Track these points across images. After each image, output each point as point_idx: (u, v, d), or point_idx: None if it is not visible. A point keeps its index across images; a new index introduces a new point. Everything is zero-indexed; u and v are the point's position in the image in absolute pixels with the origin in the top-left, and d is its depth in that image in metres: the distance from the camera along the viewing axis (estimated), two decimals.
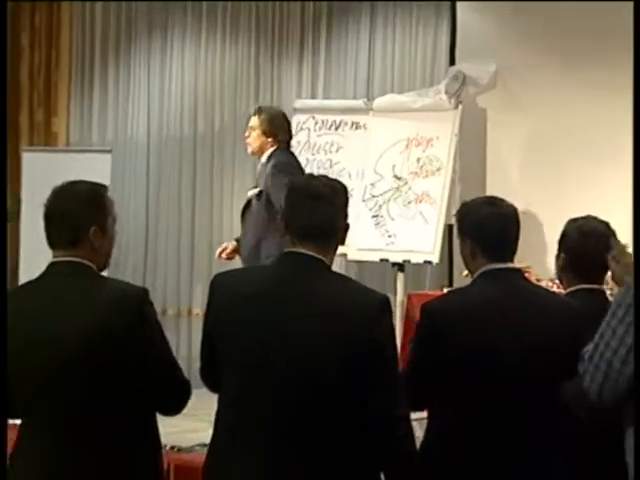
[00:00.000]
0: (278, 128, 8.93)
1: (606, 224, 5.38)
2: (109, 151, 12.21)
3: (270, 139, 8.81)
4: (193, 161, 12.41)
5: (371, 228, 10.15)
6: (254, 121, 8.94)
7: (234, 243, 8.96)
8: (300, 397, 4.39)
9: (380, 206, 10.30)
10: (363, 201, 10.29)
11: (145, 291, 4.54)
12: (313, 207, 4.59)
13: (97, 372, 4.18)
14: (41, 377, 4.40)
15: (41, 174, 12.07)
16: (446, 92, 10.37)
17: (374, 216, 10.23)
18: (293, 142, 10.64)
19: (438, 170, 10.16)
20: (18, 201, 12.70)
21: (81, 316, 4.31)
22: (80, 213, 4.46)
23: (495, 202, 5.06)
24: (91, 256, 4.42)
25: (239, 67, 12.57)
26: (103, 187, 4.77)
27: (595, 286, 5.17)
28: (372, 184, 10.44)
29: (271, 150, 8.80)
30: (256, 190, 8.81)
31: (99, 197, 4.62)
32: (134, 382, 4.28)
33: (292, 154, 9.15)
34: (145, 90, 12.96)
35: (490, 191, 9.85)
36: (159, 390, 4.46)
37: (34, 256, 10.91)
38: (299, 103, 11.53)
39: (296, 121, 11.03)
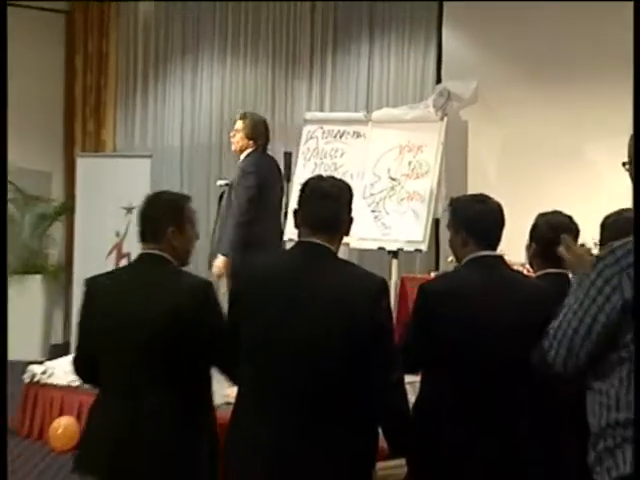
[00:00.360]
0: (259, 133, 8.97)
1: (569, 217, 5.43)
2: (149, 156, 12.16)
3: (251, 142, 8.87)
4: (219, 164, 12.49)
5: (370, 221, 10.10)
6: (239, 125, 9.01)
7: None
8: (309, 372, 4.45)
9: (377, 203, 10.23)
10: (363, 198, 10.15)
11: (209, 283, 4.89)
12: (322, 204, 4.69)
13: (170, 349, 4.43)
14: (123, 351, 4.67)
15: (92, 175, 12.21)
16: (433, 106, 10.29)
17: (372, 211, 10.16)
18: (304, 149, 11.15)
19: (426, 173, 10.08)
20: (73, 198, 12.66)
21: (157, 300, 4.64)
22: (161, 216, 4.91)
23: (484, 200, 5.15)
24: (170, 251, 4.79)
25: (258, 85, 12.71)
26: (185, 197, 5.13)
27: (560, 270, 5.14)
28: (371, 184, 10.30)
29: (249, 151, 8.87)
30: (223, 181, 9.16)
31: (178, 205, 5.01)
32: (199, 357, 4.54)
33: (267, 157, 9.17)
34: (179, 105, 13.06)
35: (470, 191, 9.75)
36: (220, 362, 4.67)
37: (87, 248, 11.99)
38: (309, 115, 11.46)
39: (306, 131, 11.15)
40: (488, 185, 10.10)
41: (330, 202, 4.76)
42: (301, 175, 10.39)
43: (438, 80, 11.24)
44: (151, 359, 4.56)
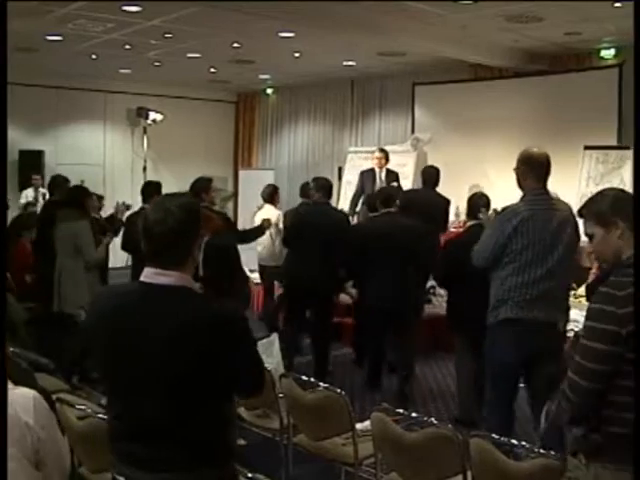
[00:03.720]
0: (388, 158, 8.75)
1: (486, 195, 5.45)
2: (272, 169, 12.67)
3: (386, 162, 8.65)
4: (307, 174, 12.12)
5: None
6: (382, 154, 8.71)
7: None
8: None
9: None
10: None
11: None
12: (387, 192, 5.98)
13: None
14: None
15: (246, 178, 12.59)
16: (411, 145, 10.50)
17: None
18: (348, 165, 10.88)
19: (407, 176, 10.04)
20: (237, 189, 12.91)
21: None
22: None
23: (389, 188, 6.34)
24: None
25: (326, 134, 13.02)
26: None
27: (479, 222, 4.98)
28: (381, 180, 9.66)
29: (386, 167, 8.67)
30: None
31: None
32: None
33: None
34: (287, 144, 13.62)
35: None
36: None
37: (243, 211, 11.66)
38: (351, 149, 11.63)
39: (349, 156, 11.20)
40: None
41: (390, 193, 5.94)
42: (346, 177, 10.70)
43: (412, 132, 11.11)
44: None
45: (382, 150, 8.88)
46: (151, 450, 2.01)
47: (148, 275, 2.07)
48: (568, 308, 4.18)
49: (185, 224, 2.05)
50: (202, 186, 5.65)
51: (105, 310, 2.12)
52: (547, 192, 4.04)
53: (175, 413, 2.01)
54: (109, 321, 2.09)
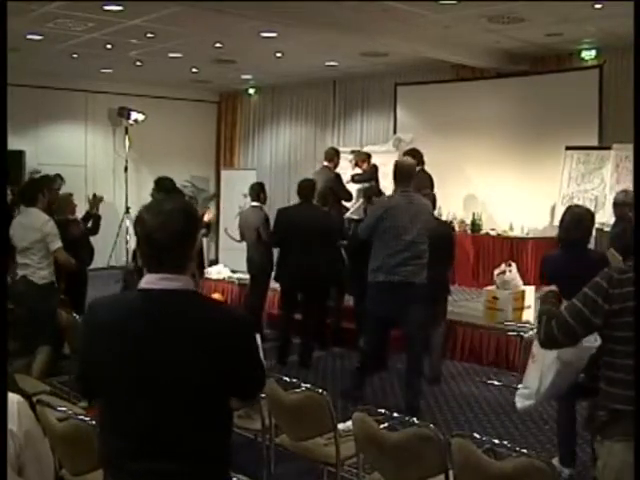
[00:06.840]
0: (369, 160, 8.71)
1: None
2: (254, 169, 12.59)
3: (365, 164, 8.63)
4: (289, 174, 12.76)
5: None
6: (361, 155, 8.84)
7: None
8: None
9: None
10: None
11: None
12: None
13: None
14: None
15: (228, 178, 12.52)
16: (393, 145, 10.38)
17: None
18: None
19: (388, 177, 9.91)
20: (219, 189, 13.00)
21: None
22: None
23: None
24: None
25: (308, 135, 13.01)
26: None
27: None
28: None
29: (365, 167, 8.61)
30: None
31: None
32: None
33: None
34: (268, 145, 13.61)
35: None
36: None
37: (225, 211, 11.87)
38: None
39: None
40: None
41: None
42: None
43: (395, 132, 11.11)
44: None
45: (352, 152, 9.27)
46: (161, 465, 1.92)
47: (151, 281, 1.99)
48: (423, 269, 5.30)
49: (185, 227, 2.00)
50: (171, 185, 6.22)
51: (106, 319, 2.00)
52: (410, 191, 5.38)
53: (191, 422, 1.94)
54: (113, 330, 1.97)
